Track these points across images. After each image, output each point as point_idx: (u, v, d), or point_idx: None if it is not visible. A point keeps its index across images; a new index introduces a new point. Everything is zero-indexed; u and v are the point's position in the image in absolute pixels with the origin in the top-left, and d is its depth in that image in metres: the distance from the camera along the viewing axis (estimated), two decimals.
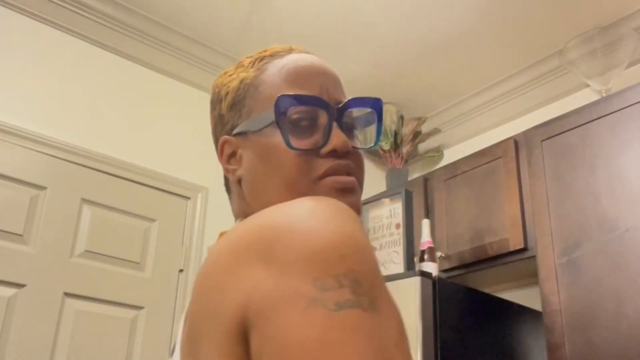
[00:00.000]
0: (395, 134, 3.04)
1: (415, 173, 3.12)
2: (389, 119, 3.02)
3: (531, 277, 2.32)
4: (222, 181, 2.62)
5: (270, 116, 0.65)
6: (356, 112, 0.69)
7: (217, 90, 0.74)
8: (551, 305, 1.91)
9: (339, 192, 0.63)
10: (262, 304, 0.46)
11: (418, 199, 2.59)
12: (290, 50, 0.71)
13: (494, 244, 2.19)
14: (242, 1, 2.40)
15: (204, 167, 2.58)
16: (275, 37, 2.59)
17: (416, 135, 3.08)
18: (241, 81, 0.70)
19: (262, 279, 0.47)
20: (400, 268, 2.50)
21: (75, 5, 2.35)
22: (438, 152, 3.09)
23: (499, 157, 2.29)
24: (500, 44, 2.59)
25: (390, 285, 2.02)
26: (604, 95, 2.27)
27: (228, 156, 0.70)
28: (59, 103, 2.25)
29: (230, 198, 0.74)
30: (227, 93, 0.71)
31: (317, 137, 0.65)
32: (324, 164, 0.64)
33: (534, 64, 2.68)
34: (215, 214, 2.54)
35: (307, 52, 0.72)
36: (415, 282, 1.95)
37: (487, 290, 2.50)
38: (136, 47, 2.50)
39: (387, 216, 2.68)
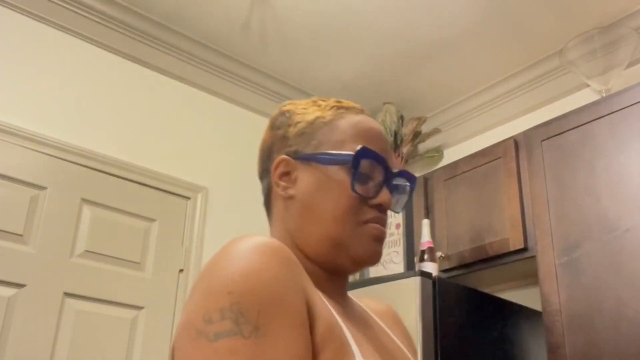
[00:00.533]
0: (395, 134, 3.04)
1: (416, 173, 3.12)
2: (389, 119, 3.02)
3: (531, 277, 2.32)
4: (222, 181, 2.64)
5: (346, 158, 0.76)
6: (399, 180, 0.81)
7: (287, 115, 0.83)
8: (551, 305, 1.91)
9: (375, 238, 0.76)
10: (176, 331, 0.59)
11: (418, 199, 2.59)
12: (362, 111, 0.83)
13: (494, 244, 2.19)
14: (242, 1, 2.40)
15: (204, 167, 2.58)
16: (275, 37, 2.59)
17: (416, 135, 3.08)
18: (317, 117, 0.80)
19: (184, 309, 0.60)
20: (400, 268, 2.50)
21: (75, 5, 2.35)
22: (438, 152, 3.09)
23: (499, 157, 2.29)
24: (500, 44, 2.59)
25: (390, 285, 2.02)
26: (604, 95, 2.27)
27: (281, 174, 0.79)
28: (59, 103, 2.25)
29: (269, 213, 0.83)
30: (299, 122, 0.81)
31: (371, 189, 0.76)
32: (370, 212, 0.76)
33: (534, 64, 2.68)
34: (215, 214, 2.54)
35: (372, 117, 0.83)
36: (415, 282, 1.95)
37: (487, 290, 2.50)
38: (136, 47, 2.50)
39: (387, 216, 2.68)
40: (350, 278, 2.64)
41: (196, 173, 2.54)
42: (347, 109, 0.81)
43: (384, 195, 0.76)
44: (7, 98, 2.13)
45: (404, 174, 0.80)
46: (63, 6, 2.33)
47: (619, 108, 1.92)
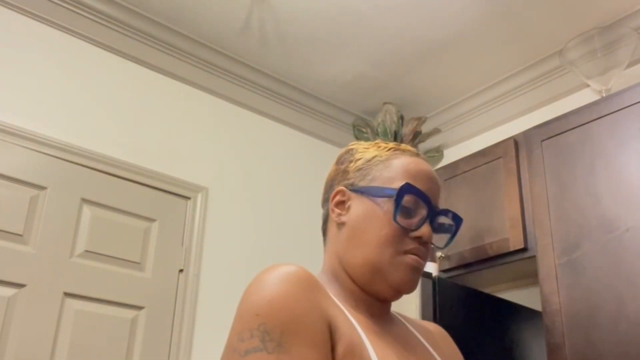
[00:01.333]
0: (395, 134, 3.04)
1: None
2: (389, 119, 3.02)
3: (531, 277, 2.32)
4: (222, 181, 2.64)
5: (392, 192, 0.85)
6: (444, 219, 0.89)
7: (351, 152, 0.94)
8: (551, 305, 1.91)
9: (413, 268, 0.83)
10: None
11: None
12: (417, 155, 0.92)
13: (494, 244, 2.19)
14: (242, 1, 2.40)
15: (204, 167, 2.58)
16: (275, 37, 2.59)
17: (416, 135, 3.08)
18: (375, 156, 0.91)
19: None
20: None
21: (75, 5, 2.35)
22: (438, 152, 3.09)
23: (499, 157, 2.29)
24: (500, 44, 2.59)
25: None
26: (604, 95, 2.27)
27: (337, 202, 0.90)
28: (59, 103, 2.25)
29: (325, 237, 0.93)
30: (360, 159, 0.92)
31: (413, 222, 0.84)
32: (410, 244, 0.84)
33: (534, 64, 2.68)
34: (215, 214, 2.54)
35: (426, 162, 0.92)
36: None
37: (487, 290, 2.50)
38: (136, 47, 2.50)
39: None
40: None
41: (196, 173, 2.54)
42: (403, 151, 0.91)
43: (425, 229, 0.84)
44: (7, 98, 2.13)
45: (448, 213, 0.89)
46: (63, 6, 2.33)
47: (619, 108, 1.92)
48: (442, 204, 2.47)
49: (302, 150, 2.97)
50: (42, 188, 2.11)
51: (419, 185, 0.86)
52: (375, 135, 3.06)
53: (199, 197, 2.50)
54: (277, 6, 2.42)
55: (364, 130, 3.11)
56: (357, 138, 3.11)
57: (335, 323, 0.71)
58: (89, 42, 2.39)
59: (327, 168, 3.02)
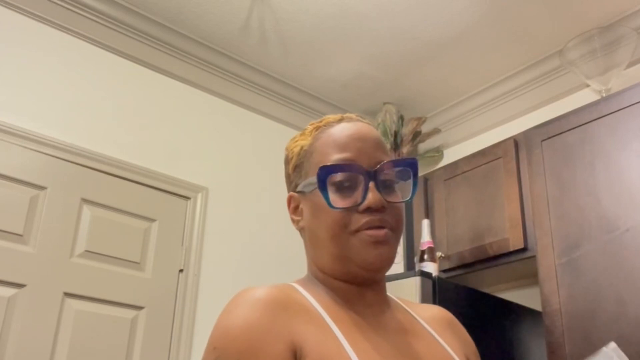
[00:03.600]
0: (395, 134, 3.04)
1: None
2: (389, 119, 3.02)
3: (531, 277, 2.32)
4: (222, 181, 2.64)
5: (316, 181, 0.79)
6: (392, 170, 0.81)
7: (286, 153, 0.89)
8: (551, 305, 1.91)
9: (371, 244, 0.77)
10: None
11: (418, 199, 2.59)
12: (340, 120, 0.85)
13: (494, 244, 2.19)
14: (242, 1, 2.40)
15: (204, 167, 2.58)
16: (275, 37, 2.59)
17: (416, 135, 3.08)
18: (301, 148, 0.85)
19: None
20: (400, 268, 2.50)
21: (75, 5, 2.35)
22: (438, 152, 3.09)
23: (499, 157, 2.29)
24: (501, 44, 2.59)
25: (390, 285, 2.02)
26: (603, 95, 2.27)
27: (293, 209, 0.86)
28: (59, 103, 2.25)
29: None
30: (292, 157, 0.86)
31: (357, 195, 0.78)
32: (361, 219, 0.77)
33: (534, 64, 2.68)
34: (215, 214, 2.54)
35: (357, 119, 0.85)
36: (415, 282, 1.95)
37: (487, 290, 2.50)
38: (136, 47, 2.50)
39: None
40: None
41: (196, 173, 2.54)
42: (325, 125, 0.84)
43: (371, 197, 0.77)
44: (7, 98, 2.12)
45: (390, 164, 0.80)
46: (63, 6, 2.33)
47: (619, 108, 1.93)
48: (442, 204, 2.46)
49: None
50: (42, 188, 2.11)
51: (346, 152, 0.79)
52: None
53: (199, 197, 2.50)
54: (277, 6, 2.42)
55: None
56: None
57: (302, 338, 0.70)
58: (89, 42, 2.39)
59: None
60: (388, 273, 2.52)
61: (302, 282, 0.85)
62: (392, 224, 0.79)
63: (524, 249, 2.10)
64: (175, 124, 2.55)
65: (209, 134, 2.65)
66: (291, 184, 0.86)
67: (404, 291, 1.96)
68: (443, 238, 2.40)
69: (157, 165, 2.43)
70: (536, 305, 2.28)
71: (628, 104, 1.90)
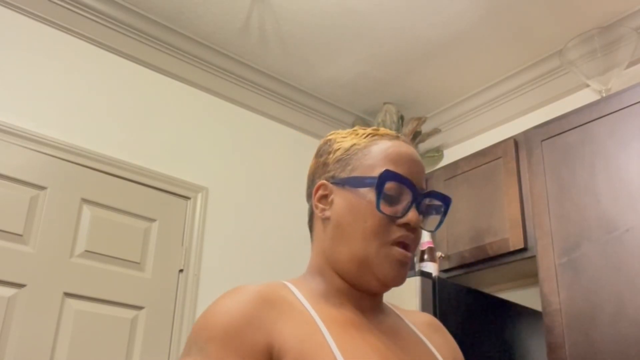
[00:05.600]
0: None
1: None
2: (389, 119, 3.02)
3: (531, 277, 2.32)
4: (222, 181, 2.63)
5: (372, 181, 0.82)
6: (431, 201, 0.86)
7: (329, 143, 0.91)
8: (551, 305, 1.91)
9: (397, 263, 0.81)
10: None
11: None
12: (397, 137, 0.89)
13: (494, 244, 2.19)
14: (242, 1, 2.40)
15: (204, 167, 2.57)
16: (275, 37, 2.59)
17: (416, 135, 3.08)
18: (353, 145, 0.87)
19: None
20: None
21: (75, 5, 2.35)
22: (438, 152, 3.09)
23: (499, 157, 2.29)
24: (500, 44, 2.59)
25: None
26: (604, 95, 2.27)
27: (320, 196, 0.87)
28: (59, 103, 2.25)
29: (311, 233, 0.90)
30: (338, 149, 0.88)
31: (399, 209, 0.82)
32: (397, 232, 0.81)
33: (534, 64, 2.68)
34: (215, 214, 2.54)
35: (407, 143, 0.89)
36: (415, 282, 1.95)
37: (487, 290, 2.50)
38: (136, 47, 2.50)
39: None
40: None
41: (196, 173, 2.54)
42: (382, 135, 0.88)
43: (412, 215, 0.81)
44: (7, 98, 2.13)
45: (435, 195, 0.85)
46: (63, 6, 2.33)
47: (619, 108, 1.92)
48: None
49: (302, 150, 2.97)
50: (42, 188, 2.11)
51: (400, 169, 0.83)
52: None
53: (199, 197, 2.50)
54: (277, 6, 2.42)
55: None
56: None
57: (283, 336, 0.72)
58: (89, 42, 2.39)
59: None
60: None
61: (297, 281, 0.86)
62: (414, 247, 0.84)
63: (524, 249, 2.10)
64: (175, 124, 2.55)
65: (209, 134, 2.65)
66: (327, 173, 0.88)
67: (404, 291, 1.96)
68: (443, 238, 2.40)
69: (157, 165, 2.43)
70: (536, 305, 2.28)
71: (628, 104, 1.90)
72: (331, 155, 0.88)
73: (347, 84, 2.92)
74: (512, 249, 2.12)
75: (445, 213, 0.87)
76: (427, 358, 0.83)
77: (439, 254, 2.31)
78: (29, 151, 2.11)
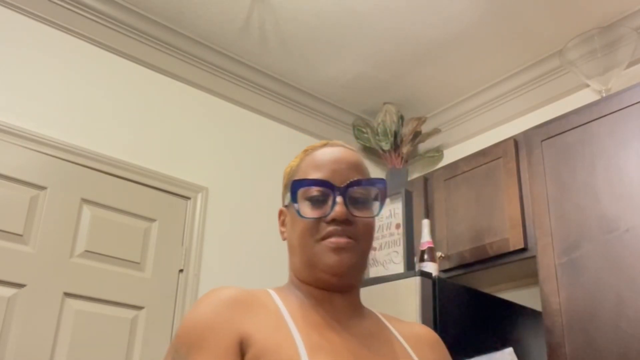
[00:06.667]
0: (395, 134, 3.04)
1: (415, 173, 3.13)
2: (389, 119, 3.02)
3: (531, 277, 2.32)
4: (222, 181, 2.63)
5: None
6: (361, 189, 0.90)
7: (284, 174, 1.01)
8: (551, 305, 1.91)
9: (332, 250, 0.86)
10: None
11: (418, 199, 2.59)
12: (324, 145, 0.96)
13: (494, 244, 2.19)
14: (242, 1, 2.40)
15: (204, 167, 2.57)
16: (275, 37, 2.59)
17: (416, 135, 3.08)
18: (290, 169, 0.98)
19: None
20: (400, 268, 2.49)
21: (75, 5, 2.35)
22: (438, 152, 3.09)
23: (499, 157, 2.29)
24: (500, 44, 2.59)
25: (390, 285, 2.02)
26: (604, 95, 2.27)
27: (282, 222, 0.97)
28: (59, 103, 2.25)
29: None
30: (285, 176, 0.99)
31: (326, 209, 0.88)
32: (326, 229, 0.87)
33: (534, 64, 2.68)
34: (215, 214, 2.54)
35: (340, 145, 0.95)
36: (415, 282, 1.95)
37: (487, 290, 2.50)
38: (136, 47, 2.50)
39: (387, 216, 2.68)
40: None
41: (196, 173, 2.54)
42: (312, 149, 0.96)
43: (337, 210, 0.86)
44: (7, 98, 2.13)
45: (362, 183, 0.89)
46: (63, 6, 2.33)
47: (619, 108, 1.93)
48: (442, 204, 2.46)
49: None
50: (42, 188, 2.11)
51: (320, 173, 0.90)
52: (375, 135, 3.06)
53: (199, 197, 2.50)
54: (277, 6, 2.42)
55: (363, 130, 3.11)
56: (357, 138, 3.11)
57: (252, 331, 0.78)
58: (89, 42, 2.39)
59: None
60: (387, 273, 2.51)
61: (278, 288, 0.93)
62: (358, 235, 0.88)
63: (524, 249, 2.10)
64: (175, 124, 2.55)
65: (209, 134, 2.65)
66: (283, 199, 0.98)
67: (404, 291, 1.96)
68: (443, 238, 2.40)
69: (157, 165, 2.43)
70: (536, 305, 2.28)
71: (628, 104, 1.91)
72: (283, 183, 0.99)
73: (347, 84, 2.92)
74: (512, 249, 2.12)
75: (382, 196, 0.91)
76: None
77: (439, 254, 2.31)
78: (29, 151, 2.11)
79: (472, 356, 1.97)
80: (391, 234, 2.63)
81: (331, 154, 0.92)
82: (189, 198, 2.48)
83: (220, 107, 2.74)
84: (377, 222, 2.71)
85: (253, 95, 2.85)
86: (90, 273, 2.13)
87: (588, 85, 2.52)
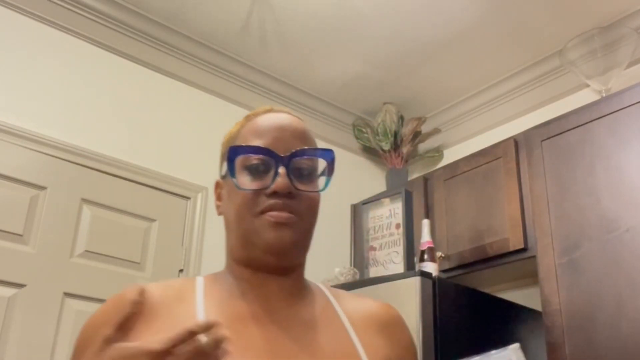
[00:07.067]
0: (395, 134, 3.04)
1: (415, 173, 3.12)
2: (389, 119, 3.02)
3: (531, 277, 2.32)
4: None
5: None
6: (311, 160, 0.81)
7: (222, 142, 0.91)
8: (551, 305, 1.91)
9: (272, 225, 0.77)
10: None
11: (418, 199, 2.59)
12: (268, 111, 0.86)
13: (494, 244, 2.19)
14: (242, 1, 2.40)
15: (204, 167, 2.57)
16: (275, 37, 2.59)
17: (416, 135, 3.08)
18: (229, 136, 0.87)
19: None
20: (400, 268, 2.50)
21: (75, 5, 2.35)
22: (438, 152, 3.09)
23: (499, 157, 2.29)
24: (500, 44, 2.59)
25: (390, 285, 2.02)
26: (604, 95, 2.27)
27: (218, 195, 0.88)
28: (59, 103, 2.25)
29: None
30: (223, 144, 0.88)
31: (267, 180, 0.78)
32: (266, 202, 0.78)
33: (534, 64, 2.68)
34: (215, 214, 2.53)
35: (284, 112, 0.86)
36: (415, 282, 1.95)
37: (487, 290, 2.50)
38: (136, 47, 2.50)
39: (387, 216, 2.68)
40: (351, 278, 2.62)
41: (196, 173, 2.54)
42: (254, 114, 0.86)
43: (279, 182, 0.77)
44: (7, 98, 2.13)
45: (304, 152, 0.80)
46: (63, 6, 2.33)
47: (619, 108, 1.93)
48: (442, 204, 2.46)
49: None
50: (42, 188, 2.11)
51: (262, 140, 0.80)
52: (375, 135, 3.06)
53: (199, 197, 2.50)
54: (277, 6, 2.42)
55: (364, 130, 3.11)
56: (357, 138, 3.11)
57: (136, 334, 0.69)
58: (89, 42, 2.39)
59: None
60: (387, 273, 2.51)
61: (211, 275, 0.85)
62: (301, 211, 0.79)
63: (524, 249, 2.10)
64: (175, 124, 2.55)
65: (209, 134, 2.65)
66: (220, 170, 0.88)
67: (404, 291, 1.96)
68: (443, 238, 2.40)
69: (157, 166, 2.43)
70: (536, 305, 2.28)
71: (628, 104, 1.91)
72: (221, 152, 0.89)
73: (347, 84, 2.92)
74: (512, 249, 2.12)
75: (331, 171, 0.82)
76: (339, 352, 0.76)
77: (439, 254, 2.31)
78: (29, 151, 2.11)
79: (472, 356, 1.97)
80: (391, 234, 2.63)
81: (275, 120, 0.83)
82: (189, 198, 2.48)
83: (221, 107, 2.73)
84: (377, 222, 2.71)
85: (253, 95, 2.85)
86: (90, 273, 2.13)
87: (588, 85, 2.52)
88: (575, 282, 1.87)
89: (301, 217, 0.79)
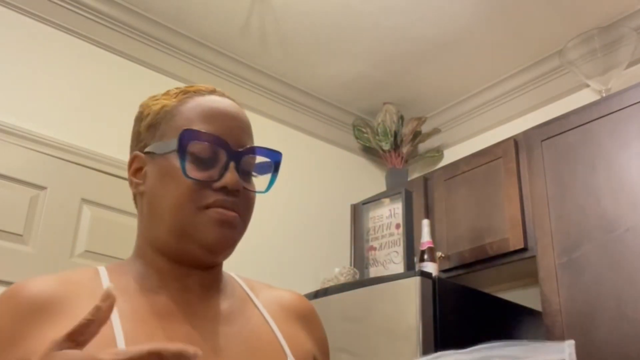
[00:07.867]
0: (395, 134, 3.04)
1: (415, 173, 3.13)
2: (389, 119, 3.02)
3: (531, 277, 2.32)
4: None
5: (175, 144, 0.73)
6: (256, 158, 0.77)
7: (141, 110, 0.84)
8: (551, 305, 1.91)
9: (217, 222, 0.72)
10: None
11: (418, 199, 2.59)
12: (212, 92, 0.80)
13: (494, 244, 2.19)
14: (242, 1, 2.40)
15: None
16: (275, 37, 2.59)
17: (416, 135, 3.08)
18: (162, 107, 0.79)
19: None
20: (400, 268, 2.50)
21: (75, 5, 2.35)
22: (438, 152, 3.09)
23: (499, 157, 2.29)
24: (501, 44, 2.59)
25: (390, 285, 2.02)
26: (604, 95, 2.27)
27: (135, 170, 0.79)
28: (59, 103, 2.25)
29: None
30: (149, 115, 0.80)
31: (214, 172, 0.73)
32: (213, 196, 0.72)
33: (534, 64, 2.68)
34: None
35: (227, 97, 0.80)
36: (415, 282, 1.95)
37: (487, 290, 2.50)
38: (136, 47, 2.50)
39: (387, 216, 2.68)
40: (351, 278, 2.62)
41: None
42: (195, 92, 0.79)
43: (229, 177, 0.72)
44: (7, 98, 2.13)
45: (257, 151, 0.76)
46: (63, 6, 2.33)
47: (619, 108, 1.93)
48: (442, 204, 2.46)
49: (302, 150, 2.97)
50: (42, 188, 2.11)
51: (212, 126, 0.74)
52: (375, 135, 3.06)
53: None
54: (277, 6, 2.42)
55: (364, 130, 3.11)
56: (357, 138, 3.11)
57: (30, 333, 0.65)
58: (89, 42, 2.39)
59: (327, 168, 3.02)
60: (387, 273, 2.51)
61: (115, 265, 0.78)
62: (243, 210, 0.76)
63: (524, 249, 2.10)
64: None
65: None
66: (139, 143, 0.80)
67: (404, 291, 1.96)
68: (443, 238, 2.40)
69: None
70: (536, 305, 2.27)
71: (628, 104, 1.91)
72: (143, 123, 0.81)
73: (347, 84, 2.92)
74: (512, 249, 2.12)
75: (275, 170, 0.79)
76: (260, 346, 0.74)
77: (439, 254, 2.31)
78: (29, 151, 2.11)
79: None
80: (391, 234, 2.63)
81: (225, 107, 0.76)
82: None
83: None
84: (377, 222, 2.71)
85: (253, 95, 2.85)
86: None
87: (588, 85, 2.52)
88: (575, 282, 1.87)
89: (243, 217, 0.76)
